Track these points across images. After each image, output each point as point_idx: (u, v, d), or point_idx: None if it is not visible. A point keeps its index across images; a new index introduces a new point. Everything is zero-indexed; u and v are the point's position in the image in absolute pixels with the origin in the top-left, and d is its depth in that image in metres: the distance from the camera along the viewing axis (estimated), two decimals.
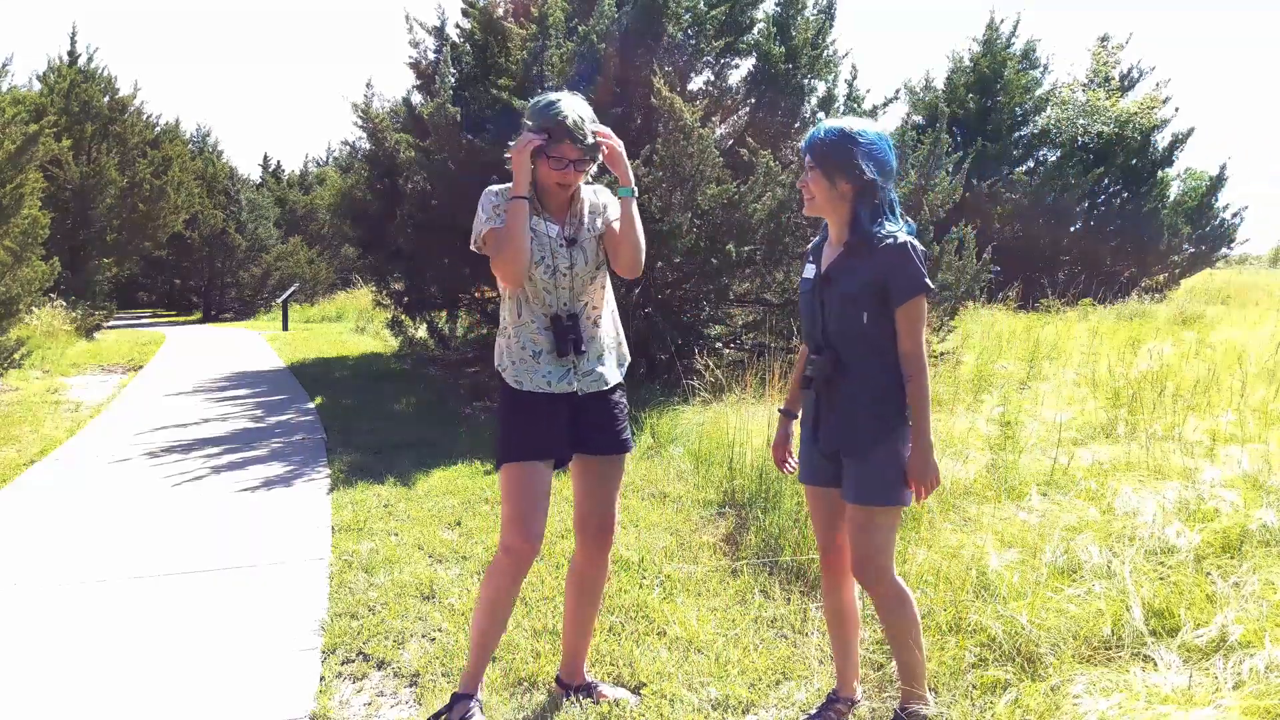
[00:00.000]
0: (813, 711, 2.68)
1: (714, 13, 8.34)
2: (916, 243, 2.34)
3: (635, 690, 2.83)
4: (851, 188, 2.33)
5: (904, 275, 2.31)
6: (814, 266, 2.50)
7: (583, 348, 2.60)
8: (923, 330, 2.36)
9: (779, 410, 2.75)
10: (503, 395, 2.66)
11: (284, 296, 21.00)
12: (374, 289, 12.58)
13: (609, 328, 2.72)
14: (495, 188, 2.61)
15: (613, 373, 2.70)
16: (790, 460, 2.69)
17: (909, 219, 2.47)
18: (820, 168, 2.34)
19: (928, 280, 2.33)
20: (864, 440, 2.39)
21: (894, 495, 2.38)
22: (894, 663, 2.64)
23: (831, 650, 2.73)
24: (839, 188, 2.34)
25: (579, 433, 2.65)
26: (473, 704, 2.61)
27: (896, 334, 2.35)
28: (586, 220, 2.66)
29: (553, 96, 2.54)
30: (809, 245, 2.60)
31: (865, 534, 2.42)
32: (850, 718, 2.66)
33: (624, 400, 2.75)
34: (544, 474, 2.59)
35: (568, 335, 2.57)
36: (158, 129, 22.14)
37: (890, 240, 2.32)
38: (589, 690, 2.77)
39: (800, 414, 2.61)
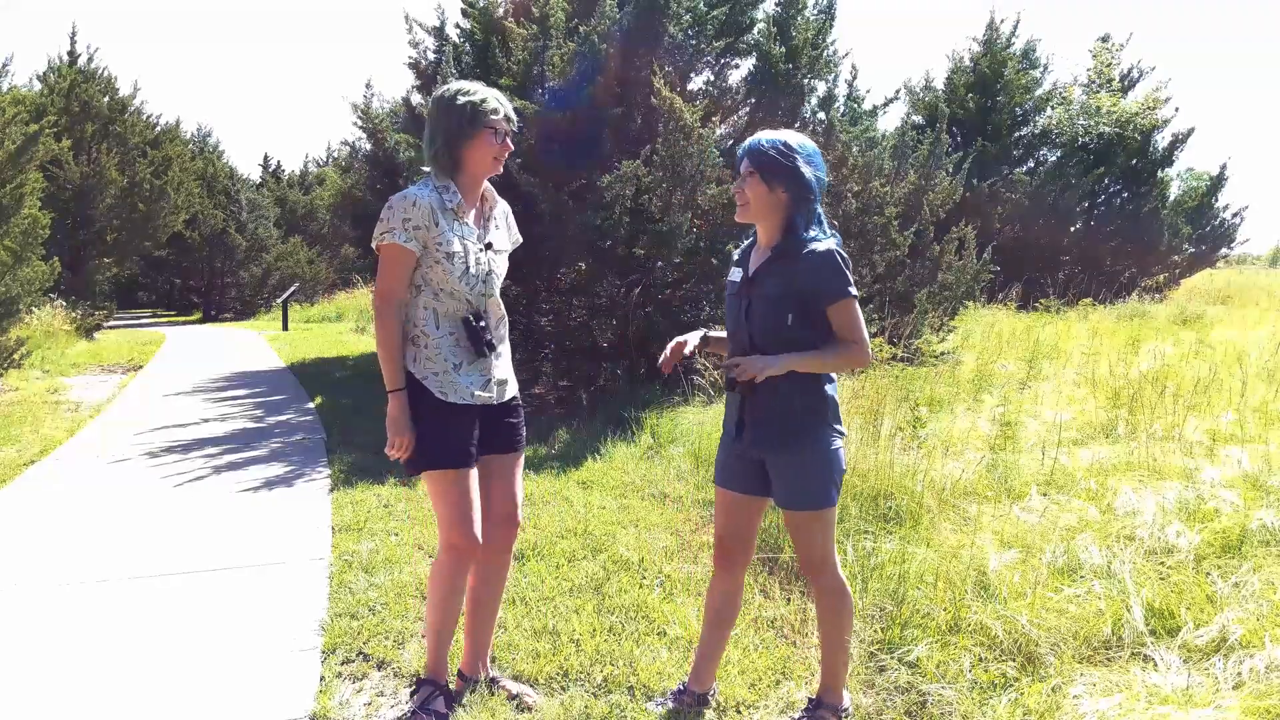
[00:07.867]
0: (665, 696, 2.74)
1: (714, 13, 8.33)
2: (842, 250, 2.41)
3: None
4: (789, 195, 2.41)
5: (830, 280, 2.37)
6: (740, 270, 2.55)
7: (496, 346, 2.67)
8: (861, 324, 2.41)
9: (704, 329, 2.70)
10: (425, 403, 2.61)
11: (284, 296, 21.01)
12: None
13: (506, 338, 2.81)
14: (401, 198, 2.57)
15: (514, 383, 2.80)
16: (672, 359, 2.54)
17: (835, 228, 2.53)
18: (760, 173, 2.42)
19: (851, 289, 2.38)
20: (792, 443, 2.44)
21: (826, 499, 2.48)
22: (819, 655, 2.68)
23: (701, 642, 2.75)
24: (776, 194, 2.42)
25: (483, 436, 2.73)
26: (437, 690, 2.71)
27: (829, 334, 2.40)
28: (505, 225, 2.78)
29: (467, 86, 2.54)
30: (738, 249, 2.65)
31: (804, 535, 2.53)
32: (708, 713, 2.67)
33: (519, 405, 2.84)
34: (473, 478, 2.68)
35: (481, 336, 2.62)
36: (158, 129, 22.13)
37: (814, 247, 2.39)
38: (493, 683, 2.81)
39: (727, 404, 2.62)
